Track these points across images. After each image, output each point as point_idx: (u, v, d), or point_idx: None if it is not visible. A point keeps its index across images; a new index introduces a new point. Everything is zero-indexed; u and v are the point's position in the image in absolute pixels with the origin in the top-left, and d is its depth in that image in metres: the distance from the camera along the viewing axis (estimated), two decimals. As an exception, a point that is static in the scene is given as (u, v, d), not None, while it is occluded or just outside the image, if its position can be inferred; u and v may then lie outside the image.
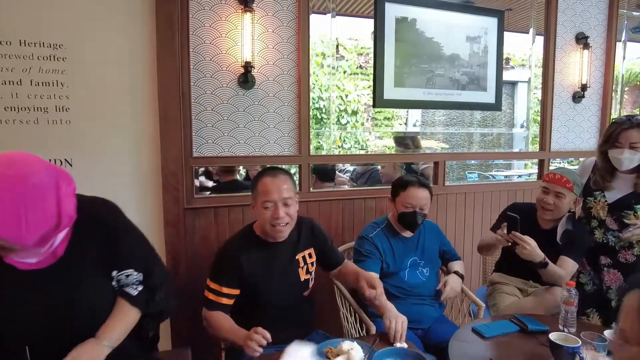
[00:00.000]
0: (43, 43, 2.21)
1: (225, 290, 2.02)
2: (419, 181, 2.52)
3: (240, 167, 2.78)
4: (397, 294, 2.37)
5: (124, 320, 1.61)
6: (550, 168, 3.52)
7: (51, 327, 1.46)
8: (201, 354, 2.26)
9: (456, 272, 2.58)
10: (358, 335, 2.33)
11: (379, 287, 2.01)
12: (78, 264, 1.52)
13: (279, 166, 2.28)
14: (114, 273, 1.58)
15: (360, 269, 2.23)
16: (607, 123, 3.55)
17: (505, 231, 2.43)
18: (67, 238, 1.48)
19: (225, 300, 2.03)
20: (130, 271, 1.63)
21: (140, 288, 1.65)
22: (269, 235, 2.08)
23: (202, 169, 2.65)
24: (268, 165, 2.45)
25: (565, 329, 2.10)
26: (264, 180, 2.05)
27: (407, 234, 2.55)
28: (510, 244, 2.38)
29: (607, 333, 1.93)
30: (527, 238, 2.35)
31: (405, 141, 3.25)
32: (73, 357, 1.42)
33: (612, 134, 2.48)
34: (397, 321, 1.97)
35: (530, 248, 2.34)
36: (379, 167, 3.25)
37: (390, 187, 2.54)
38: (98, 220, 1.55)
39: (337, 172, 3.17)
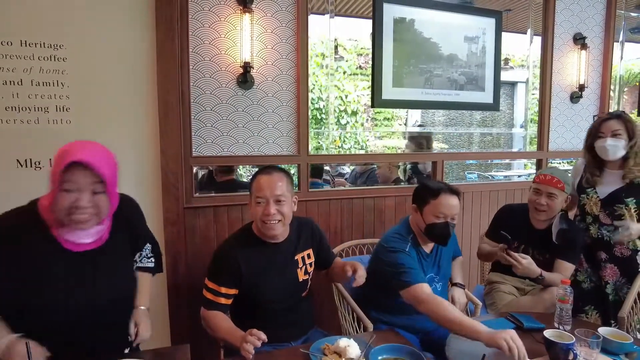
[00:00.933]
0: (44, 43, 2.24)
1: (223, 290, 2.04)
2: (450, 187, 2.36)
3: (240, 167, 2.81)
4: (409, 309, 2.25)
5: (147, 287, 1.92)
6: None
7: (96, 302, 1.65)
8: (200, 352, 2.30)
9: (457, 284, 2.58)
10: (356, 334, 2.31)
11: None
12: (117, 248, 1.74)
13: (279, 166, 2.31)
14: (144, 247, 1.94)
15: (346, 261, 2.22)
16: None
17: (503, 248, 2.48)
18: (109, 224, 1.69)
19: (223, 300, 2.05)
20: (147, 245, 1.93)
21: (152, 257, 1.96)
22: (265, 234, 2.09)
23: (203, 169, 2.69)
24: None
25: (560, 327, 2.13)
26: (259, 177, 2.08)
27: (428, 248, 2.43)
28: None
29: (602, 330, 1.98)
30: (519, 258, 2.39)
31: (420, 140, 3.30)
32: (144, 322, 1.79)
33: (594, 126, 2.60)
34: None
35: (522, 267, 2.39)
36: (376, 166, 3.28)
37: (386, 186, 2.56)
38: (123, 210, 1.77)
39: (334, 176, 3.23)
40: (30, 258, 1.58)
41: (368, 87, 2.84)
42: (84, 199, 1.55)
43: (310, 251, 2.25)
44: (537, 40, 3.48)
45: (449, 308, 2.06)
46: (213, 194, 2.66)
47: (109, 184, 1.58)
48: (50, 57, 2.25)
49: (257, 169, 2.23)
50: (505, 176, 5.03)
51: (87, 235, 1.63)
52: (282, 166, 2.33)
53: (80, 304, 1.63)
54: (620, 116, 2.57)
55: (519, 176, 4.33)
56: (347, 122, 3.19)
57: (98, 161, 1.56)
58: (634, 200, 2.51)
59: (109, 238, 1.73)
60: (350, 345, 1.87)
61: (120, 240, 1.79)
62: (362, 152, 3.41)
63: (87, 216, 1.57)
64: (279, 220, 2.05)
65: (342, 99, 3.06)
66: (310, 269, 2.25)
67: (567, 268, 2.53)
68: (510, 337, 1.86)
